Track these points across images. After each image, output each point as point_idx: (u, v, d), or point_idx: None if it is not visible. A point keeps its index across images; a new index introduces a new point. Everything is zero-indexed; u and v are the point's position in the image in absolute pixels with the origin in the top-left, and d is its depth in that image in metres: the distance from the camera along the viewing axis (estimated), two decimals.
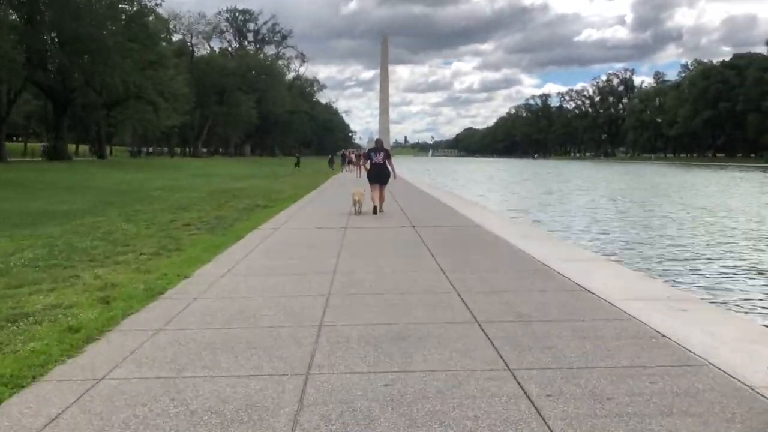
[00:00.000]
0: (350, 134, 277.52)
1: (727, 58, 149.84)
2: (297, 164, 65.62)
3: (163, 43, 66.32)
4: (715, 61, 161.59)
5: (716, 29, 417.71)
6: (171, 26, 77.35)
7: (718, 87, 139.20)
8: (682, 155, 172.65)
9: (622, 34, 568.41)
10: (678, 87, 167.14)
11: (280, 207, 19.13)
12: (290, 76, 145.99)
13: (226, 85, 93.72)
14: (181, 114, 73.57)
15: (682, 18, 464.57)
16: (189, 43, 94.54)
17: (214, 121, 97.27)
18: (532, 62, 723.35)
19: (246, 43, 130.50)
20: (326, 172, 52.31)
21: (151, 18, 55.19)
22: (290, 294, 7.09)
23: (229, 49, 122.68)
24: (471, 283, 7.52)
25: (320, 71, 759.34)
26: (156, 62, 56.40)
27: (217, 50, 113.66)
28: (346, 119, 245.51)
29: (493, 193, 39.99)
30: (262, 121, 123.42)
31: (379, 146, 17.91)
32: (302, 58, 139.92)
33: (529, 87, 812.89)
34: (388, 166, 17.57)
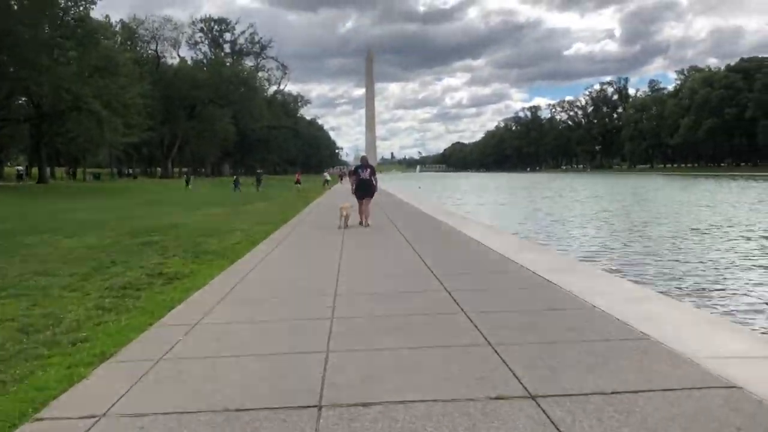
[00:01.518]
0: (337, 151, 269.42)
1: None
2: (235, 184, 55.37)
3: (120, 47, 57.18)
4: (713, 67, 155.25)
5: (702, 41, 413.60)
6: (134, 31, 68.01)
7: (721, 93, 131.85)
8: (683, 166, 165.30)
9: (611, 47, 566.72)
10: (676, 95, 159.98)
11: (209, 271, 10.06)
12: (271, 89, 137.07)
13: (198, 98, 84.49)
14: (142, 130, 64.33)
15: (670, 31, 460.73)
16: (154, 51, 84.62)
17: (185, 138, 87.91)
18: (520, 77, 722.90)
19: (222, 54, 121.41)
20: (303, 197, 43.07)
21: (91, 11, 45.73)
22: None
23: (204, 61, 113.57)
24: None
25: (313, 90, 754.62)
26: (103, 68, 47.10)
27: (190, 61, 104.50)
28: (337, 136, 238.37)
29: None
30: (242, 138, 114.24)
31: (364, 163, 18.65)
32: (283, 70, 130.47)
33: (518, 101, 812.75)
34: (374, 182, 18.11)
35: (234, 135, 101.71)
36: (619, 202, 39.77)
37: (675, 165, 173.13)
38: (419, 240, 13.44)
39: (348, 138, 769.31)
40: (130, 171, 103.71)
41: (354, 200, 18.07)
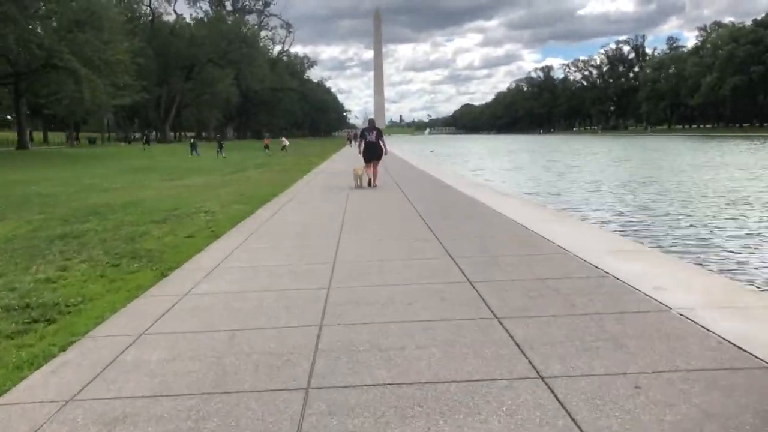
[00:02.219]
0: (345, 114, 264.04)
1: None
2: (219, 149, 49.82)
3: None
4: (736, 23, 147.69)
5: None
6: None
7: (748, 49, 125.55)
8: (702, 127, 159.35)
9: (626, 6, 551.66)
10: (697, 52, 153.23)
11: (112, 300, 6.04)
12: (276, 50, 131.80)
13: (196, 57, 79.63)
14: (135, 91, 59.98)
15: None
16: (147, 6, 79.12)
17: (183, 101, 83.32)
18: (533, 37, 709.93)
19: (224, 12, 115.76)
20: (305, 163, 38.81)
21: None
22: None
23: (205, 20, 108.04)
24: None
25: (323, 52, 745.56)
26: (83, 22, 42.51)
27: (189, 19, 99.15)
28: (347, 99, 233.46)
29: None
30: (245, 101, 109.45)
31: (371, 126, 18.96)
32: (288, 29, 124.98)
33: (531, 62, 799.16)
34: (381, 144, 18.39)
35: (236, 97, 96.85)
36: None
37: (694, 126, 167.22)
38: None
39: (358, 101, 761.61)
40: (136, 135, 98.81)
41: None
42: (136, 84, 59.36)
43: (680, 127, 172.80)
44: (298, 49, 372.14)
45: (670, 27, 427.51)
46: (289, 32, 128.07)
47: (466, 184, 18.77)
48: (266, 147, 55.98)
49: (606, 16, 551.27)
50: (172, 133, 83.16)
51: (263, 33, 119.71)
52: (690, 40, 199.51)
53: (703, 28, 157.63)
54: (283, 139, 61.38)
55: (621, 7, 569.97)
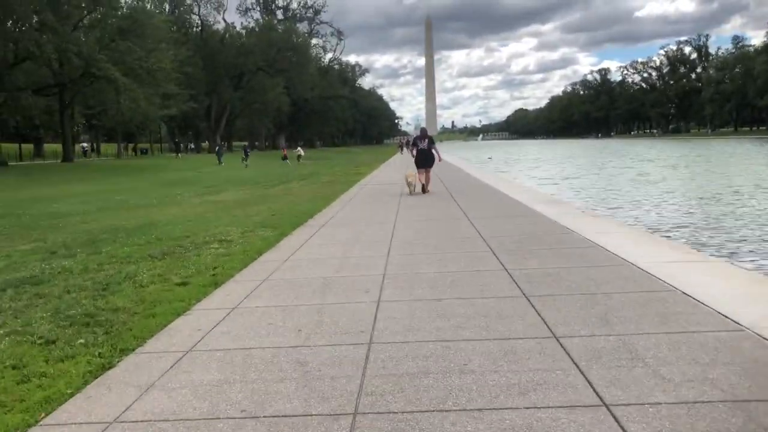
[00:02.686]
0: (396, 120, 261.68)
1: None
2: (244, 159, 49.46)
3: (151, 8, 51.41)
4: None
5: None
6: None
7: None
8: None
9: (685, 6, 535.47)
10: (767, 50, 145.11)
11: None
12: (327, 57, 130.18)
13: (245, 66, 78.32)
14: (182, 101, 58.86)
15: None
16: (197, 15, 77.91)
17: (233, 111, 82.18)
18: (589, 40, 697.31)
19: (275, 21, 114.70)
20: (353, 173, 36.37)
21: None
22: None
23: (256, 29, 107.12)
24: None
25: (377, 60, 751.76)
26: (126, 30, 41.14)
27: (240, 28, 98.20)
28: (399, 106, 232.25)
29: None
30: (296, 109, 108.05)
31: (423, 134, 19.29)
32: (339, 36, 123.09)
33: (586, 66, 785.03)
34: (433, 152, 18.75)
35: (287, 106, 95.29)
36: None
37: (762, 128, 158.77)
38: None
39: (411, 107, 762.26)
40: (191, 146, 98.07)
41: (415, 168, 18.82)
42: (183, 93, 58.20)
43: (747, 129, 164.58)
44: (352, 58, 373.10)
45: (733, 26, 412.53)
46: (340, 40, 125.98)
47: (542, 201, 15.64)
48: (284, 158, 54.76)
49: (664, 17, 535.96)
50: (224, 143, 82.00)
51: (314, 41, 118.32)
52: (755, 39, 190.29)
53: None
54: (299, 148, 60.05)
55: (681, 7, 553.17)
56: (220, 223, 13.09)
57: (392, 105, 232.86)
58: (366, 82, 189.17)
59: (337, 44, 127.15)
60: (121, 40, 39.80)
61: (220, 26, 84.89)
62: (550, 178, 34.60)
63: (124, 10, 44.24)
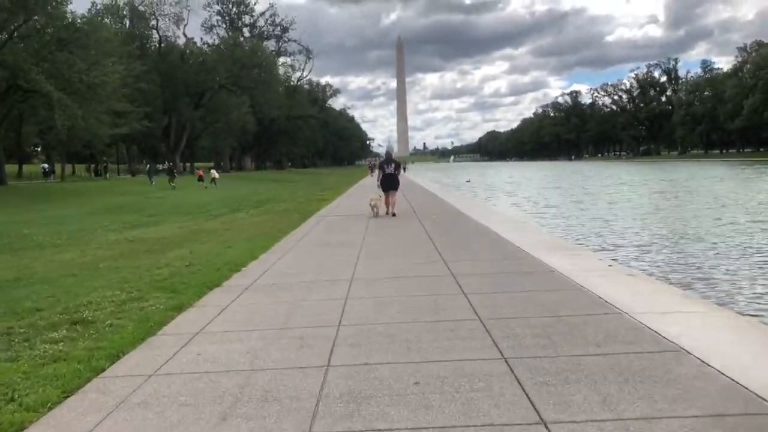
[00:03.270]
0: (368, 142, 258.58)
1: None
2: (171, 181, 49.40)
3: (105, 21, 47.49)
4: None
5: (750, 23, 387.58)
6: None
7: None
8: (741, 152, 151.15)
9: (654, 32, 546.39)
10: (736, 74, 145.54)
11: None
12: (296, 76, 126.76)
13: (205, 83, 74.42)
14: (135, 119, 54.75)
15: (715, 14, 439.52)
16: (154, 29, 73.40)
17: (194, 130, 78.04)
18: (559, 64, 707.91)
19: (242, 39, 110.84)
20: (315, 200, 32.70)
21: None
22: None
23: (222, 46, 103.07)
24: None
25: (352, 82, 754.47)
26: (69, 41, 37.13)
27: (204, 46, 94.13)
28: (373, 128, 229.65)
29: None
30: (262, 129, 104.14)
31: (389, 158, 19.74)
32: (307, 54, 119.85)
33: (557, 89, 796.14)
34: (399, 177, 19.16)
35: (253, 125, 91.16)
36: None
37: (732, 151, 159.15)
38: None
39: (383, 129, 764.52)
40: (148, 167, 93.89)
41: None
42: (137, 111, 54.19)
43: (717, 152, 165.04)
44: (326, 79, 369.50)
45: (698, 53, 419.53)
46: (309, 58, 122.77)
47: (547, 246, 11.69)
48: (200, 179, 53.87)
49: (633, 42, 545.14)
50: (181, 165, 77.67)
51: (282, 59, 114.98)
52: (719, 64, 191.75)
53: (743, 48, 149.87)
54: (213, 171, 58.35)
55: (649, 32, 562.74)
56: (106, 282, 9.34)
57: (366, 126, 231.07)
58: (339, 102, 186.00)
59: (306, 62, 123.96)
60: (58, 51, 35.78)
61: (181, 41, 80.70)
62: (536, 202, 31.11)
63: (69, 20, 40.29)
